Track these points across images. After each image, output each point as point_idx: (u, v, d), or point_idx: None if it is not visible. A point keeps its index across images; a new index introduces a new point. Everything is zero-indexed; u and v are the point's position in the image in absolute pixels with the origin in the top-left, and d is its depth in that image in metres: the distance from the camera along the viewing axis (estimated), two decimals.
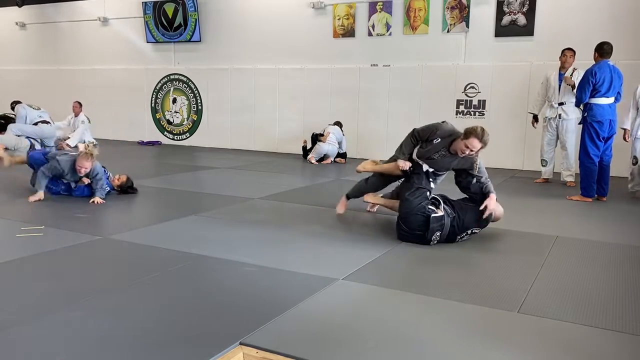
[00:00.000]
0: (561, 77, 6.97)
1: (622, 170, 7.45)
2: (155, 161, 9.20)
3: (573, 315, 2.84)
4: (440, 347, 2.46)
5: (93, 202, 5.49)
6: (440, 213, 4.08)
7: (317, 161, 8.87)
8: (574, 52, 6.91)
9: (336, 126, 9.09)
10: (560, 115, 6.99)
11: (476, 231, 4.24)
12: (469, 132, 4.09)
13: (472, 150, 4.12)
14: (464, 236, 4.19)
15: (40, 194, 5.52)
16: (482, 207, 4.17)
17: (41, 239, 4.15)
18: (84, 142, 10.44)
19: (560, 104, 6.94)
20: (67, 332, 2.54)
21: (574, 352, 2.44)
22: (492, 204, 4.19)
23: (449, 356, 2.38)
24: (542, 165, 7.29)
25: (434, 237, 4.06)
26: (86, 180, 5.69)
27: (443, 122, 4.44)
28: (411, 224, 4.11)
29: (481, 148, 4.14)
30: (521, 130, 8.37)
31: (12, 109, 9.78)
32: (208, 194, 6.26)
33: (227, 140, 10.93)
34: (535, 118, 7.30)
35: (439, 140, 4.29)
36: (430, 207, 4.12)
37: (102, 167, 5.85)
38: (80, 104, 10.64)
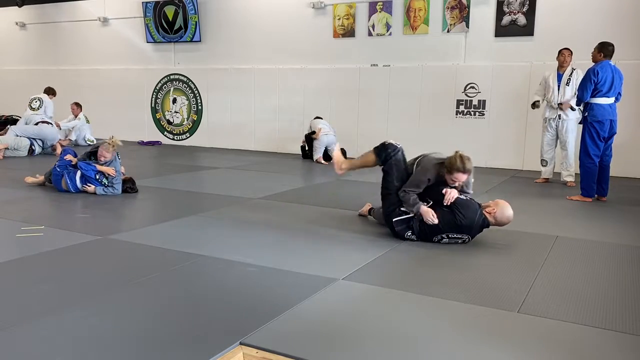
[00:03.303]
0: (559, 77, 6.97)
1: (622, 170, 7.46)
2: (155, 161, 9.20)
3: (573, 315, 2.84)
4: (440, 347, 2.46)
5: (87, 187, 5.84)
6: (409, 215, 4.18)
7: (324, 159, 8.85)
8: (571, 51, 6.92)
9: (319, 119, 9.13)
10: (560, 115, 6.99)
11: (455, 236, 4.10)
12: (450, 168, 4.09)
13: (459, 182, 4.15)
14: (442, 239, 4.12)
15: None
16: (443, 191, 4.13)
17: (41, 239, 4.15)
18: (84, 138, 10.53)
19: (560, 104, 6.94)
20: (67, 332, 2.54)
21: (574, 352, 2.44)
22: (451, 190, 4.15)
23: (449, 356, 2.38)
24: (542, 165, 7.30)
25: (406, 235, 4.22)
26: (112, 171, 5.84)
27: (423, 157, 4.37)
28: (388, 223, 4.32)
29: (467, 177, 4.15)
30: (521, 130, 8.37)
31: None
32: (208, 194, 6.26)
33: (227, 140, 10.92)
34: (537, 103, 7.17)
35: (431, 179, 4.21)
36: (402, 209, 4.22)
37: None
38: (77, 104, 10.67)
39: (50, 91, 10.43)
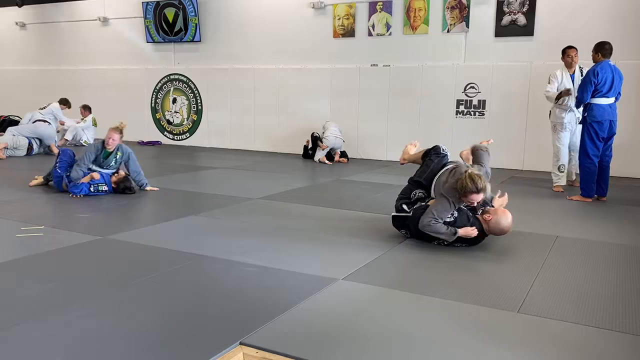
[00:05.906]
0: (572, 78, 6.77)
1: (622, 170, 7.46)
2: (155, 161, 9.19)
3: (573, 315, 2.84)
4: (440, 347, 2.46)
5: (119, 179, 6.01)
6: (408, 214, 4.20)
7: (327, 159, 8.90)
8: (577, 49, 6.78)
9: (332, 122, 9.17)
10: (578, 118, 6.82)
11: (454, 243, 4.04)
12: (463, 191, 3.83)
13: (476, 203, 3.97)
14: (442, 241, 4.04)
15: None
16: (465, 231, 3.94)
17: (41, 239, 4.15)
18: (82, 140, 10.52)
19: (567, 91, 6.71)
20: (67, 332, 2.54)
21: (574, 352, 2.44)
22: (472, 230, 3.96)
23: (449, 356, 2.38)
24: (560, 171, 6.69)
25: (400, 230, 4.30)
26: (122, 173, 5.98)
27: (448, 169, 4.16)
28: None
29: (483, 195, 3.92)
30: (521, 130, 8.36)
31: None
32: (208, 194, 6.26)
33: (227, 140, 10.92)
34: (560, 94, 6.66)
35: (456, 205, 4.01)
36: (403, 205, 4.28)
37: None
38: (85, 107, 10.66)
39: (63, 101, 10.38)
